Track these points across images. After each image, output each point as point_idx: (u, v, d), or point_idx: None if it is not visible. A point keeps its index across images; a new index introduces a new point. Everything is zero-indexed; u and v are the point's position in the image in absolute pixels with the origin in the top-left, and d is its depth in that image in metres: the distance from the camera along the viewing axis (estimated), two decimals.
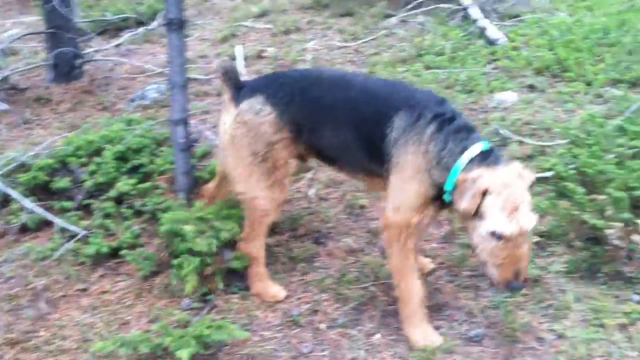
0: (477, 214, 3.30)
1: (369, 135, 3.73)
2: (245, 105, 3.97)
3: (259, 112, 3.92)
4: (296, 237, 4.83)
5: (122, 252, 4.41)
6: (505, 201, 3.21)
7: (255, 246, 4.18)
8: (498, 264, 3.26)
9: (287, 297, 4.25)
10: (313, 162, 4.37)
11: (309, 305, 4.19)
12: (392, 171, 3.64)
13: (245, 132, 3.95)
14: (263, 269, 4.24)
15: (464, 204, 3.28)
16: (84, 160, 5.23)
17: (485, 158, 3.41)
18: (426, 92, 3.89)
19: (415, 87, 4.05)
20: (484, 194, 3.25)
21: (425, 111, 3.57)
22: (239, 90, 4.03)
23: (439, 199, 3.61)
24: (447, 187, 3.48)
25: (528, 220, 3.22)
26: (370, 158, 3.81)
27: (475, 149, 3.44)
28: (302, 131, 3.96)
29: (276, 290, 4.24)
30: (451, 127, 3.51)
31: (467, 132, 3.51)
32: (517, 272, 3.23)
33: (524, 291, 3.96)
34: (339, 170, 4.24)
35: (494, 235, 3.24)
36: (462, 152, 3.46)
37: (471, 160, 3.42)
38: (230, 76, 4.03)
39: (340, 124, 3.84)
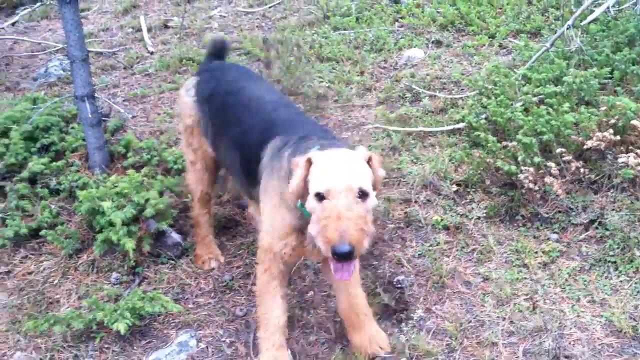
0: (307, 191, 3.04)
1: (249, 161, 3.54)
2: (190, 80, 4.17)
3: (188, 91, 4.08)
4: (221, 204, 4.81)
5: (43, 232, 4.28)
6: (326, 165, 2.98)
7: (196, 212, 4.27)
8: (323, 226, 2.88)
9: None
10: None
11: (241, 269, 4.21)
12: (261, 196, 3.46)
13: (179, 102, 4.20)
14: (205, 232, 4.29)
15: (293, 183, 3.05)
16: None
17: (323, 149, 3.14)
18: (318, 125, 3.68)
19: (315, 122, 3.79)
20: (308, 164, 3.02)
21: (294, 136, 3.35)
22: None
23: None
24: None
25: (349, 178, 2.92)
26: (248, 182, 3.65)
27: (315, 146, 3.18)
28: (207, 133, 3.97)
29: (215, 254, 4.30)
30: (302, 142, 3.26)
31: (317, 140, 3.26)
32: (341, 234, 2.80)
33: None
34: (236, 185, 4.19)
35: (317, 196, 2.94)
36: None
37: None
38: (209, 49, 4.34)
39: (231, 144, 3.71)
